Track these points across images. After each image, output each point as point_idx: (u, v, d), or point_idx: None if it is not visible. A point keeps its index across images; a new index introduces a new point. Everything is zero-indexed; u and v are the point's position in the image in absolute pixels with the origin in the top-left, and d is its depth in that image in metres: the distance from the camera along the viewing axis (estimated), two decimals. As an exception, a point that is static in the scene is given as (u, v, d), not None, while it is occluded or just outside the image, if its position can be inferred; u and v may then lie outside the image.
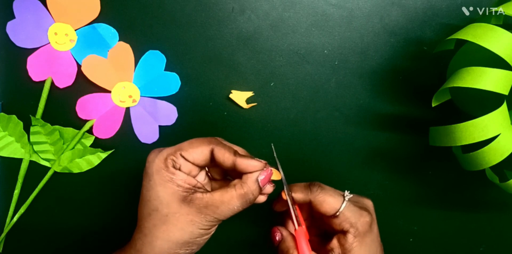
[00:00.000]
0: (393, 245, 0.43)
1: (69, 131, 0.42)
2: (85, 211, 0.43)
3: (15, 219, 0.42)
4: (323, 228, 0.36)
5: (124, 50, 0.41)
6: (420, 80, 0.41)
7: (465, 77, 0.30)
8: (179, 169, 0.30)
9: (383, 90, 0.41)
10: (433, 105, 0.35)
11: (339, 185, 0.42)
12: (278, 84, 0.41)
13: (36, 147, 0.42)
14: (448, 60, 0.37)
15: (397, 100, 0.42)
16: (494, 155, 0.30)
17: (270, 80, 0.41)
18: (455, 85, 0.30)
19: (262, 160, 0.31)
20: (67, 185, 0.43)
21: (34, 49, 0.41)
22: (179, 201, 0.29)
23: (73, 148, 0.42)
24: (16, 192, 0.42)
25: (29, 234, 0.44)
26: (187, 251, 0.30)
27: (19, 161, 0.42)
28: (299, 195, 0.33)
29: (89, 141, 0.42)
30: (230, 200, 0.29)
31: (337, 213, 0.32)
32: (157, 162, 0.30)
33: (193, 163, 0.30)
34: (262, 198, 0.32)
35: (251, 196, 0.30)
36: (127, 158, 0.43)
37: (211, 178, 0.34)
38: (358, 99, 0.42)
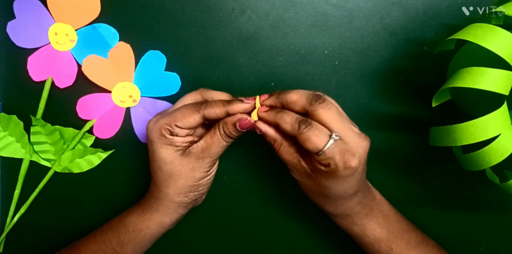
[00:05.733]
0: (393, 245, 0.43)
1: (70, 131, 0.42)
2: (85, 211, 0.43)
3: (15, 219, 0.43)
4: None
5: (125, 50, 0.41)
6: (420, 80, 0.41)
7: (466, 77, 0.30)
8: (176, 135, 0.34)
9: (383, 90, 0.41)
10: (433, 105, 0.35)
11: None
12: (278, 84, 0.41)
13: (36, 147, 0.42)
14: (448, 60, 0.37)
15: (397, 100, 0.42)
16: (494, 155, 0.30)
17: (270, 80, 0.41)
18: (456, 85, 0.30)
19: (250, 100, 0.34)
20: (67, 185, 0.43)
21: (34, 49, 0.41)
22: (179, 156, 0.34)
23: (74, 148, 0.42)
24: (17, 192, 0.43)
25: (29, 234, 0.44)
26: (195, 192, 0.36)
27: (19, 161, 0.42)
28: (287, 126, 0.32)
29: (89, 141, 0.42)
30: (218, 140, 0.34)
31: (319, 153, 0.31)
32: (155, 130, 0.34)
33: (188, 128, 0.34)
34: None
35: (232, 135, 0.34)
36: (127, 158, 0.43)
37: (207, 125, 0.38)
38: (358, 99, 0.42)
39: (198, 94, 0.36)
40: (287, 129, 0.32)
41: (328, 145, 0.31)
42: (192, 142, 0.35)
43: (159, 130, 0.34)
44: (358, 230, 0.36)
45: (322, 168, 0.32)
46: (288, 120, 0.32)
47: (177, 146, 0.34)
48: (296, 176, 0.35)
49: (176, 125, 0.34)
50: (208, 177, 0.36)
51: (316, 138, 0.31)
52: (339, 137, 0.31)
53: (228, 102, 0.34)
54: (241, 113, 0.34)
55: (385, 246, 0.36)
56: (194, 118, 0.34)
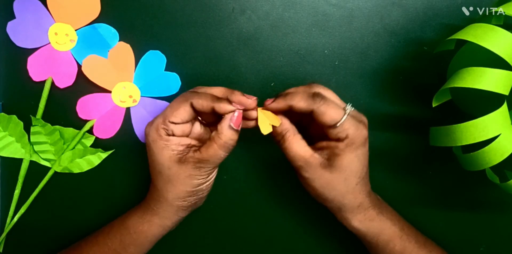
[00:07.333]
0: (393, 245, 0.43)
1: (70, 131, 0.42)
2: (85, 211, 0.43)
3: (15, 219, 0.43)
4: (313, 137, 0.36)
5: (125, 50, 0.41)
6: (420, 80, 0.41)
7: (466, 77, 0.30)
8: (173, 134, 0.34)
9: (383, 90, 0.42)
10: (433, 105, 0.35)
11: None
12: (278, 84, 0.41)
13: (36, 147, 0.42)
14: (448, 60, 0.37)
15: (397, 100, 0.42)
16: (494, 155, 0.30)
17: (270, 80, 0.42)
18: (456, 85, 0.30)
19: (237, 98, 0.33)
20: (67, 185, 0.43)
21: (34, 49, 0.41)
22: (176, 163, 0.34)
23: (74, 148, 0.42)
24: (17, 192, 0.43)
25: (29, 234, 0.44)
26: (195, 197, 0.36)
27: (19, 161, 0.42)
28: (302, 104, 0.32)
29: (89, 141, 0.42)
30: (215, 152, 0.33)
31: (337, 125, 0.32)
32: (151, 134, 0.34)
33: (182, 123, 0.34)
34: (251, 124, 0.35)
35: (231, 142, 0.33)
36: (127, 158, 0.43)
37: (206, 124, 0.37)
38: (358, 99, 0.42)
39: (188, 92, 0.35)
40: (302, 106, 0.32)
41: (345, 116, 0.32)
42: (189, 146, 0.35)
43: (155, 131, 0.33)
44: (376, 227, 0.36)
45: (339, 144, 0.33)
46: (300, 98, 0.33)
47: (173, 149, 0.34)
48: (309, 173, 0.34)
49: (170, 121, 0.33)
50: (207, 183, 0.36)
51: (334, 109, 0.32)
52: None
53: (218, 99, 0.33)
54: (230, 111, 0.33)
55: (400, 243, 0.36)
56: (184, 109, 0.33)
